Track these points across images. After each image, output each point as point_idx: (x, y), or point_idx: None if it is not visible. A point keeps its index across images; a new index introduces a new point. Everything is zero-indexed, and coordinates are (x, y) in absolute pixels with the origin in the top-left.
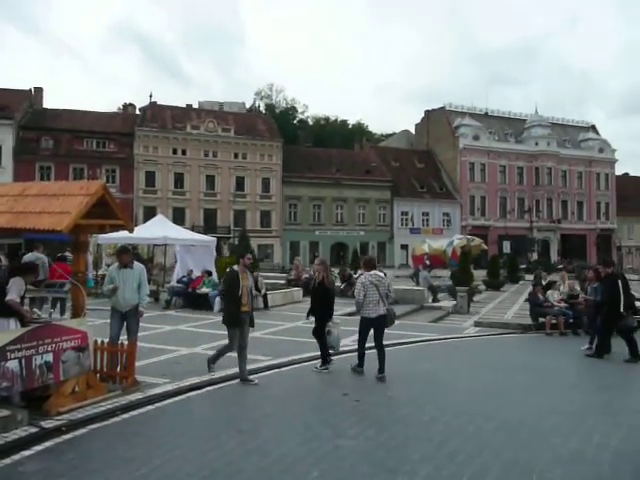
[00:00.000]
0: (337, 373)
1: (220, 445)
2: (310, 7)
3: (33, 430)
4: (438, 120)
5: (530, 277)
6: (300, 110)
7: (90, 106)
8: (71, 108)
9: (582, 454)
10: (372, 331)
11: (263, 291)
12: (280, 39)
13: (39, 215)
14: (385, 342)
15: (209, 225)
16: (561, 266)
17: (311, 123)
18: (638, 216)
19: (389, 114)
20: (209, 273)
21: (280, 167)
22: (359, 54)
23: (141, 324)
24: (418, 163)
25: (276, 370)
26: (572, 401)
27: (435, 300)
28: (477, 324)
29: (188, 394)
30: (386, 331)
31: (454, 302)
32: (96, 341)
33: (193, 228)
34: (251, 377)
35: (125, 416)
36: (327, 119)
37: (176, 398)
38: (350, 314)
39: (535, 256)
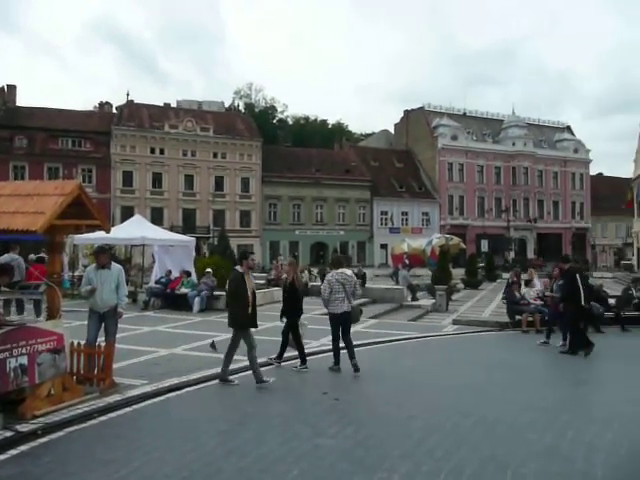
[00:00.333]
0: (316, 372)
1: (199, 446)
2: (292, 6)
3: (8, 434)
4: (417, 120)
5: (507, 275)
6: (280, 109)
7: (65, 105)
8: (46, 106)
9: (556, 449)
10: None
11: None
12: (261, 38)
13: (13, 215)
14: (365, 341)
15: (188, 225)
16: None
17: (291, 123)
18: (611, 215)
19: (369, 114)
20: (188, 273)
21: (259, 167)
22: (340, 54)
23: (119, 325)
24: (397, 163)
25: None
26: (547, 397)
27: (414, 299)
28: (455, 322)
29: (167, 395)
30: (366, 330)
31: (433, 301)
32: (73, 343)
33: (172, 228)
34: (231, 377)
35: (103, 418)
36: (307, 119)
37: (155, 399)
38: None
39: (512, 255)
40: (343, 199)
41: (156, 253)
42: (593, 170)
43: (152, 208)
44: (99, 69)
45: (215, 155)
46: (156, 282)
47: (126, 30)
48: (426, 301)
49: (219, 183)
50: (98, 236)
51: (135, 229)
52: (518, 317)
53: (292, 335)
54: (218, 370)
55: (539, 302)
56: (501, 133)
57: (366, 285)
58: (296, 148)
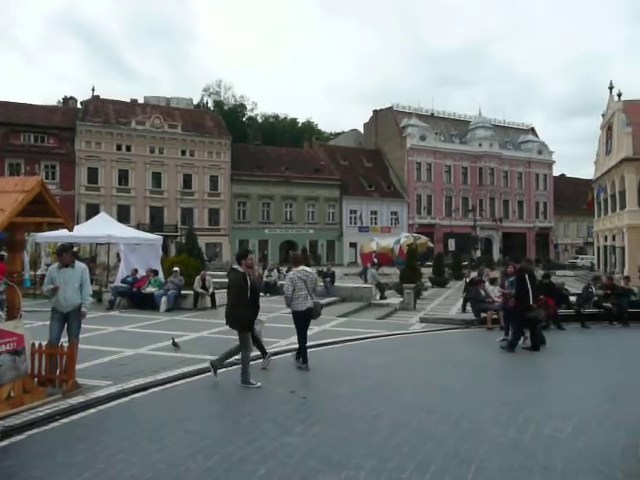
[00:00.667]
0: (284, 371)
1: (165, 447)
2: (263, 3)
3: None
4: (386, 120)
5: (473, 274)
6: (249, 107)
7: (28, 99)
8: (7, 100)
9: (519, 444)
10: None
11: (211, 290)
12: (231, 35)
13: None
14: (333, 339)
15: (155, 223)
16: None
17: (260, 121)
18: (573, 215)
19: (339, 113)
20: (155, 272)
21: (229, 165)
22: (310, 53)
23: (83, 325)
24: (367, 162)
25: (224, 369)
26: (510, 393)
27: (382, 297)
28: (423, 320)
29: (132, 396)
30: (335, 328)
31: (401, 299)
32: (34, 344)
33: (138, 226)
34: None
35: (65, 421)
36: (276, 117)
37: (120, 400)
38: None
39: (478, 254)
40: (312, 198)
41: (122, 252)
42: (556, 171)
43: (118, 206)
44: (63, 64)
45: (183, 152)
46: (122, 281)
47: (92, 24)
48: (394, 299)
49: (187, 181)
50: (62, 234)
51: (100, 227)
52: (483, 315)
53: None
54: (184, 370)
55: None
56: (468, 134)
57: (335, 284)
58: (265, 147)
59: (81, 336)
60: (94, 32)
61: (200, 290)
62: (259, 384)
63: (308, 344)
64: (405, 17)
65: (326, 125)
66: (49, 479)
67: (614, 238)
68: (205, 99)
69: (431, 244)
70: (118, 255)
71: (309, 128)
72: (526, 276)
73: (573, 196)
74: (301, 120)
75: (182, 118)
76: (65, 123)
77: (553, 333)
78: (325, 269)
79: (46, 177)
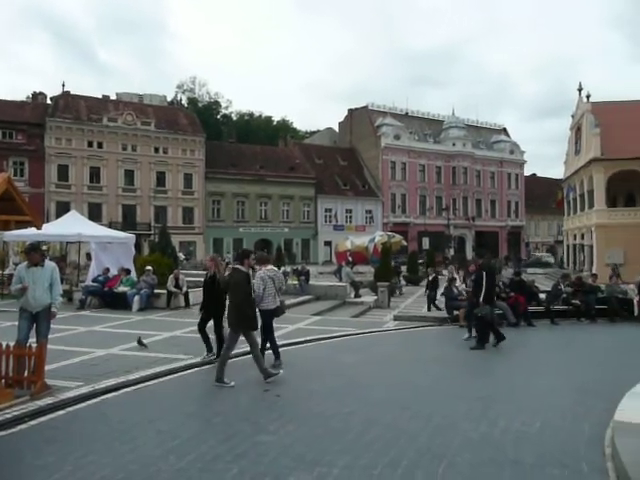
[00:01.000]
0: (258, 370)
1: (137, 447)
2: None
3: None
4: (361, 119)
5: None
6: (224, 105)
7: None
8: None
9: (489, 438)
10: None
11: (184, 289)
12: (206, 31)
13: None
14: (308, 338)
15: (128, 222)
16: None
17: (235, 118)
18: (544, 214)
19: (314, 111)
20: (127, 271)
21: (203, 163)
22: (286, 51)
23: (53, 326)
24: (342, 161)
25: (196, 369)
26: (481, 389)
27: (357, 295)
28: (396, 318)
29: (103, 397)
30: (309, 327)
31: (375, 297)
32: (1, 344)
33: (111, 225)
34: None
35: (34, 423)
36: (251, 115)
37: (90, 401)
38: None
39: (452, 252)
40: (287, 196)
41: (93, 250)
42: (527, 171)
43: (90, 204)
44: (32, 58)
45: (157, 150)
46: (93, 280)
47: (62, 16)
48: (369, 298)
49: (161, 179)
50: (30, 233)
51: (70, 225)
52: (456, 312)
53: (215, 329)
54: (157, 370)
55: None
56: (442, 134)
57: (310, 282)
58: (240, 144)
59: (51, 336)
60: (64, 25)
61: (173, 289)
62: (233, 383)
63: (282, 342)
64: (382, 17)
65: (301, 123)
66: None
67: (583, 237)
68: (179, 96)
69: (405, 242)
70: (89, 254)
71: (284, 126)
72: (484, 273)
73: (544, 195)
74: (276, 118)
75: (155, 115)
76: (34, 119)
77: (523, 330)
78: (300, 267)
79: (14, 174)
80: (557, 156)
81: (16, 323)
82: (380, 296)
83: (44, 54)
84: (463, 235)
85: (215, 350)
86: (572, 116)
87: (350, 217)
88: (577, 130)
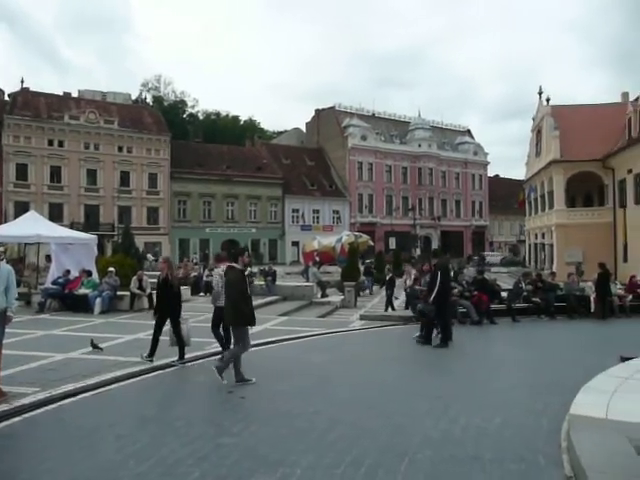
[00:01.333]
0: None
1: (95, 453)
2: None
3: None
4: (328, 119)
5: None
6: (190, 104)
7: None
8: None
9: (450, 435)
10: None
11: (148, 291)
12: (171, 29)
13: None
14: (274, 338)
15: (91, 222)
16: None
17: (201, 118)
18: (506, 214)
19: (281, 111)
20: (89, 273)
21: (168, 162)
22: (253, 50)
23: (10, 330)
24: (309, 161)
25: (160, 371)
26: (443, 386)
27: (324, 295)
28: (363, 317)
29: (61, 402)
30: (276, 327)
31: (342, 297)
32: None
33: (72, 225)
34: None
35: None
36: (218, 114)
37: (48, 407)
38: None
39: (418, 251)
40: (254, 196)
41: (53, 252)
42: (491, 172)
43: (50, 204)
44: None
45: (120, 149)
46: (53, 282)
47: (19, 9)
48: (335, 297)
49: (124, 178)
50: None
51: (29, 226)
52: None
53: (173, 331)
54: (117, 373)
55: None
56: (408, 135)
57: (276, 282)
58: (207, 144)
59: (7, 341)
60: (22, 18)
61: (137, 291)
62: (254, 379)
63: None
64: (347, 19)
65: (268, 123)
66: None
67: (544, 236)
68: (144, 94)
69: (372, 242)
70: (48, 256)
71: (251, 126)
72: (438, 273)
73: (506, 196)
74: (243, 118)
75: (119, 113)
76: None
77: (486, 327)
78: (266, 268)
79: None
80: (519, 157)
81: None
82: (347, 296)
83: (1, 49)
84: (429, 235)
85: (178, 354)
86: (533, 119)
87: (317, 217)
88: (538, 132)
